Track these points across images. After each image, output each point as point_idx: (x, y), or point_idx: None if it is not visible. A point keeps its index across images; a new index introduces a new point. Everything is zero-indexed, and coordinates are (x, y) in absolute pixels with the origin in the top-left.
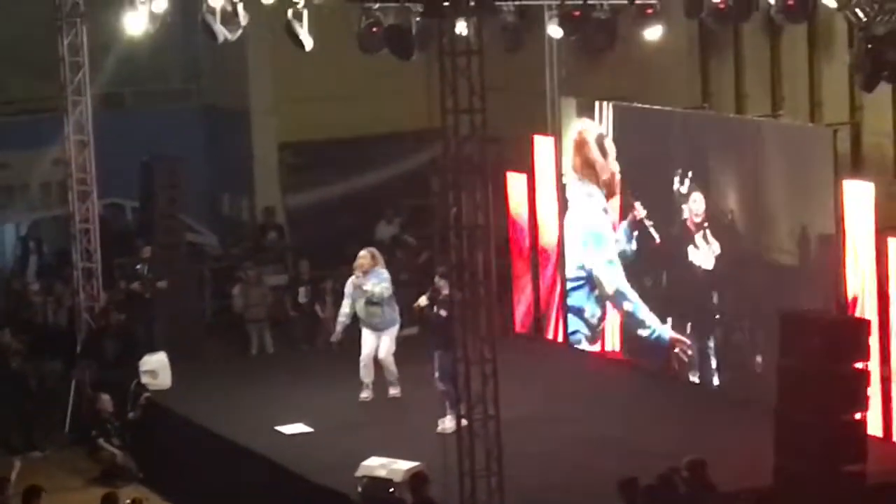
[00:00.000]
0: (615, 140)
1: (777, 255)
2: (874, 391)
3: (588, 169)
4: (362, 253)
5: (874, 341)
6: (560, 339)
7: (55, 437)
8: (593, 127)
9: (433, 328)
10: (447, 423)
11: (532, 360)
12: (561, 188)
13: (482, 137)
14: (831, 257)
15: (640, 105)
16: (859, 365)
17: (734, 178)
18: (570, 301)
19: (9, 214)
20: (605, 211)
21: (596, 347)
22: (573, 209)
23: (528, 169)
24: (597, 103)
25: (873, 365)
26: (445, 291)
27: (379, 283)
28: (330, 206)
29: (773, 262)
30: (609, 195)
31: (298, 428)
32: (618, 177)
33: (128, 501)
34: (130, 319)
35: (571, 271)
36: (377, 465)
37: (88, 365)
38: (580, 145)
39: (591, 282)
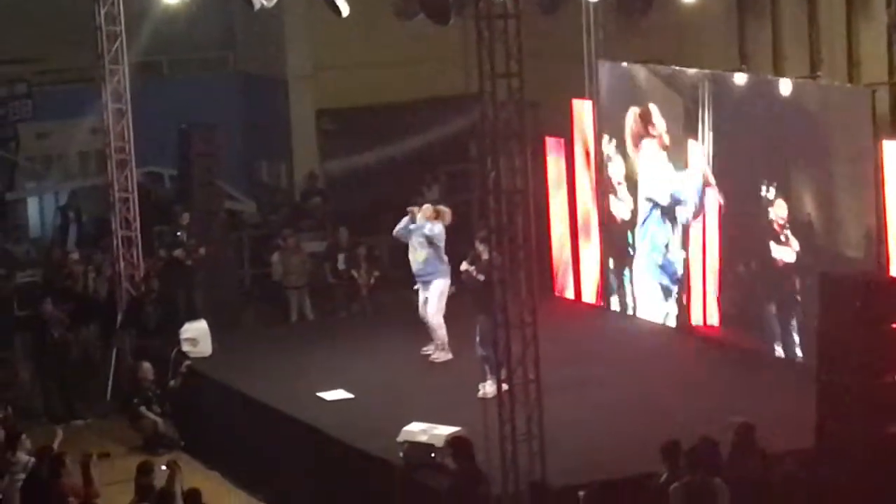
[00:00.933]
0: (713, 116)
1: (845, 248)
2: None
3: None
4: (427, 205)
5: None
6: (601, 302)
7: (97, 406)
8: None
9: (474, 293)
10: (488, 388)
11: (572, 323)
12: (599, 152)
13: (520, 102)
14: (871, 218)
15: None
16: None
17: (811, 179)
18: (616, 267)
19: (48, 184)
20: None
21: (639, 313)
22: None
23: (567, 133)
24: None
25: None
26: (485, 256)
27: (436, 230)
28: (367, 172)
29: (843, 255)
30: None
31: (339, 394)
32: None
33: (163, 467)
34: (171, 287)
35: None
36: (418, 431)
37: (129, 333)
38: (644, 116)
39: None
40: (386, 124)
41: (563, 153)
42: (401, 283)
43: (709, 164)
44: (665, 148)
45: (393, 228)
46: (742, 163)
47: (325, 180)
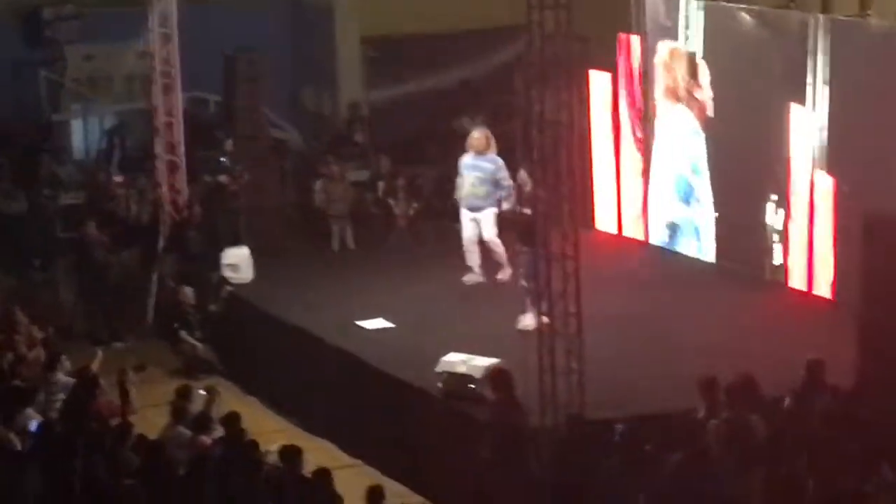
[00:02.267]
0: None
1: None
2: None
3: (687, 95)
4: (476, 134)
5: None
6: (643, 237)
7: (137, 329)
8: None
9: (517, 225)
10: (528, 320)
11: (614, 258)
12: (645, 90)
13: (567, 34)
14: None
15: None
16: None
17: None
18: (656, 202)
19: (93, 106)
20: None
21: (685, 249)
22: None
23: (612, 68)
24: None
25: None
26: (528, 188)
27: (494, 167)
28: (412, 101)
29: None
30: (703, 123)
31: (379, 323)
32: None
33: (202, 392)
34: (214, 212)
35: (667, 188)
36: (457, 361)
37: (171, 257)
38: (669, 68)
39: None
40: (431, 53)
41: (608, 87)
42: (443, 213)
43: (820, 138)
44: (705, 123)
45: (436, 159)
46: (871, 137)
47: (369, 109)
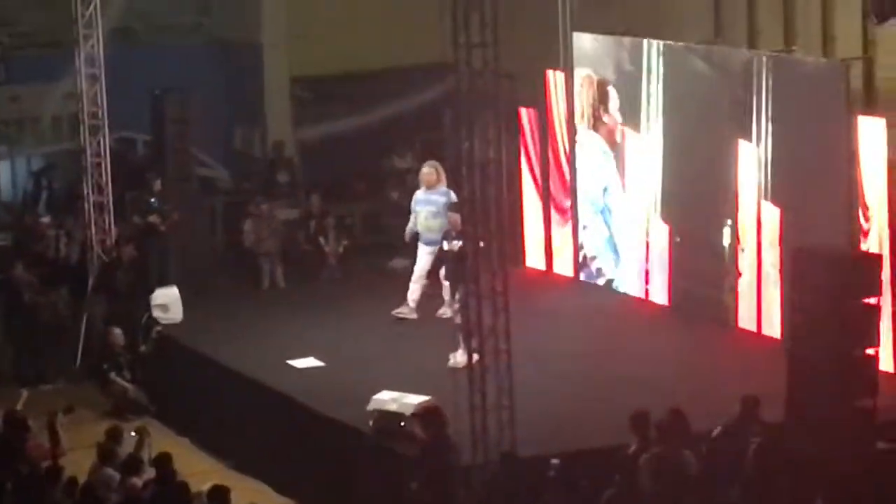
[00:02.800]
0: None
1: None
2: (886, 326)
3: (592, 119)
4: (426, 169)
5: (886, 277)
6: (572, 273)
7: (66, 371)
8: (603, 70)
9: (449, 262)
10: (458, 358)
11: (544, 294)
12: (572, 124)
13: (495, 72)
14: (843, 193)
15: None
16: (871, 300)
17: None
18: (584, 238)
19: (20, 148)
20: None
21: (601, 280)
22: (581, 155)
23: (541, 104)
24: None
25: (885, 300)
26: (457, 223)
27: (445, 200)
28: (341, 140)
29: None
30: (611, 145)
31: (310, 362)
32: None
33: (132, 433)
34: (142, 253)
35: (585, 210)
36: (388, 400)
37: (100, 298)
38: (580, 94)
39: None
40: (360, 92)
41: (536, 124)
42: (373, 251)
43: (765, 172)
44: (613, 145)
45: (366, 196)
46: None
47: (299, 147)
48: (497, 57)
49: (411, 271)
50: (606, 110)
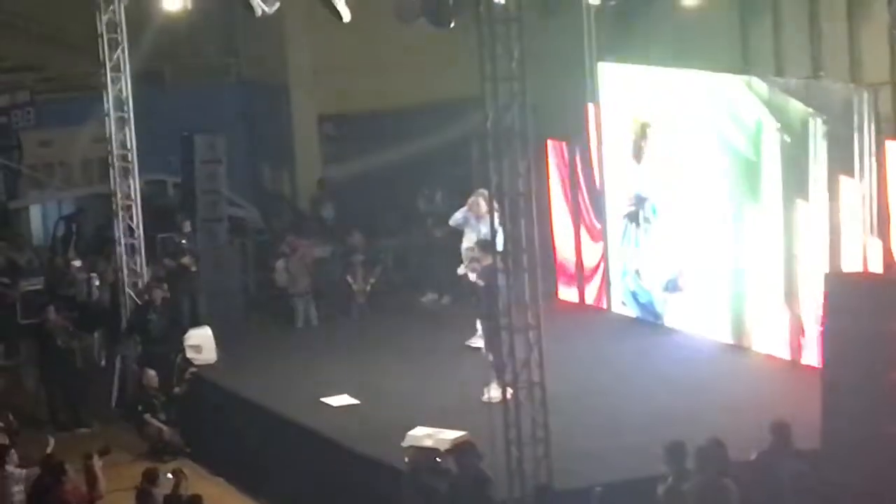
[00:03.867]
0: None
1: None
2: None
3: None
4: (476, 199)
5: None
6: (605, 306)
7: (102, 414)
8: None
9: (477, 297)
10: (493, 392)
11: (577, 326)
12: (601, 155)
13: (522, 105)
14: (876, 218)
15: None
16: None
17: None
18: (616, 270)
19: (50, 192)
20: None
21: (640, 313)
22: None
23: (569, 136)
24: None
25: None
26: (485, 261)
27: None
28: (369, 177)
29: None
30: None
31: (344, 400)
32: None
33: (168, 475)
34: (175, 294)
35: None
36: (423, 435)
37: (133, 341)
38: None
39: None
40: (387, 129)
41: (565, 156)
42: (404, 287)
43: (871, 212)
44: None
45: (394, 232)
46: None
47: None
48: (524, 90)
49: (441, 306)
50: (647, 146)
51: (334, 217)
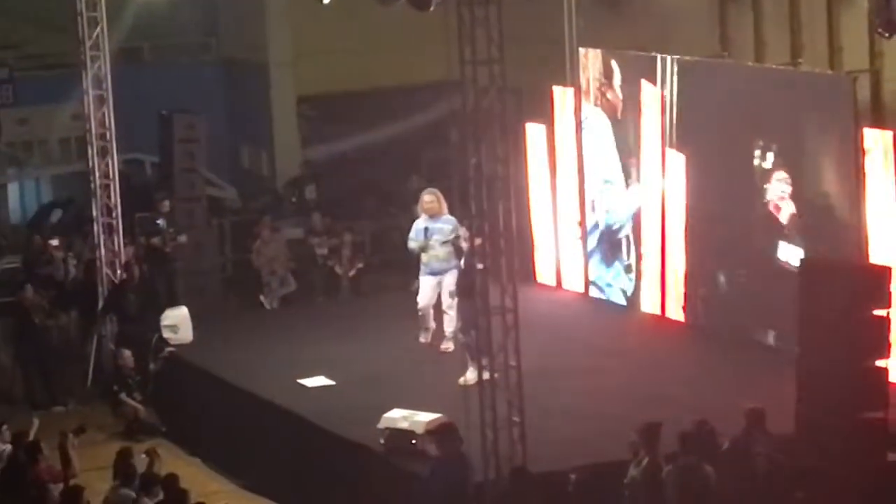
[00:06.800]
0: (679, 99)
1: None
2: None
3: (599, 95)
4: (428, 197)
5: (895, 288)
6: (582, 289)
7: (77, 393)
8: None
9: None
10: (468, 375)
11: (554, 310)
12: (580, 139)
13: (501, 88)
14: (852, 205)
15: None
16: (880, 312)
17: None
18: (591, 250)
19: (28, 170)
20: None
21: (619, 299)
22: (585, 152)
23: (548, 120)
24: (658, 59)
25: (895, 312)
26: (464, 244)
27: (451, 227)
28: (348, 159)
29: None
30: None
31: (320, 381)
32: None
33: (142, 455)
34: (152, 274)
35: (590, 238)
36: (399, 418)
37: (110, 320)
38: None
39: (611, 243)
40: (366, 111)
41: (544, 139)
42: (382, 269)
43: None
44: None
45: (373, 214)
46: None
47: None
48: (503, 73)
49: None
50: (611, 86)
51: (315, 199)
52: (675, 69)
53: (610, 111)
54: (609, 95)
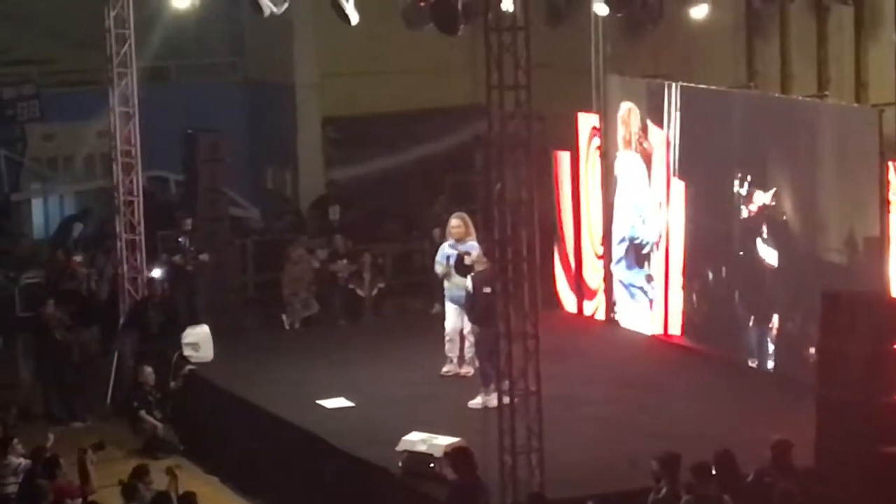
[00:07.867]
0: (681, 124)
1: (825, 253)
2: None
3: (633, 142)
4: (455, 222)
5: None
6: (604, 316)
7: (97, 409)
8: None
9: (472, 304)
10: (479, 399)
11: (576, 337)
12: (606, 166)
13: (527, 114)
14: (877, 238)
15: (708, 87)
16: None
17: (790, 171)
18: (617, 277)
19: (53, 186)
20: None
21: (642, 326)
22: (620, 182)
23: (572, 146)
24: (666, 86)
25: None
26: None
27: (476, 253)
28: (372, 181)
29: (824, 258)
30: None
31: (339, 402)
32: (667, 156)
33: (165, 472)
34: (174, 292)
35: (617, 248)
36: (417, 440)
37: (131, 337)
38: (625, 122)
39: (637, 255)
40: (392, 133)
41: (569, 166)
42: (405, 291)
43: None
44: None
45: (396, 237)
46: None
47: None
48: (529, 99)
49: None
50: (647, 138)
51: (339, 219)
52: (679, 98)
53: (645, 157)
54: (645, 144)
